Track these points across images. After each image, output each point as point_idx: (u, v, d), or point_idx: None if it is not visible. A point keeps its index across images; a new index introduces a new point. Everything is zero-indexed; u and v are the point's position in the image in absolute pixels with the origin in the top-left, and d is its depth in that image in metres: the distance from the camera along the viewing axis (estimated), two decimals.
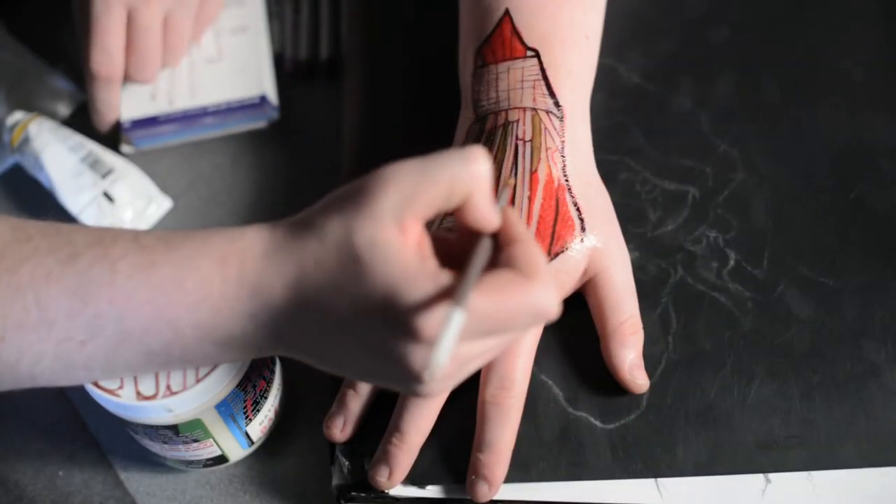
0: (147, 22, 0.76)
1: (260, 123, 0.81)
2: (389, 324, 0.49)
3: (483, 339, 0.51)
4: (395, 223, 0.50)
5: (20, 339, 0.53)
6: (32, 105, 0.81)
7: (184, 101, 0.80)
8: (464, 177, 0.51)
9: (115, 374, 0.56)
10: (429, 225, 0.64)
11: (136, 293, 0.52)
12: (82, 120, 0.82)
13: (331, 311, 0.51)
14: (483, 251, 0.51)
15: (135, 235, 0.54)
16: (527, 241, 0.52)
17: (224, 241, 0.53)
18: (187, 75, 0.81)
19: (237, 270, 0.52)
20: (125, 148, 0.80)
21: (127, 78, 0.78)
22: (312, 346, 0.53)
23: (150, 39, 0.77)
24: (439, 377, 0.49)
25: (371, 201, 0.50)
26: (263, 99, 0.80)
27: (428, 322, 0.48)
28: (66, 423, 0.71)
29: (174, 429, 0.61)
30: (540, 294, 0.50)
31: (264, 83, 0.80)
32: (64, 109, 0.82)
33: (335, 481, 0.64)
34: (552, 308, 0.50)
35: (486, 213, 0.52)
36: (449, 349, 0.46)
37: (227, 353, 0.55)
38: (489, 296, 0.49)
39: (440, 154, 0.51)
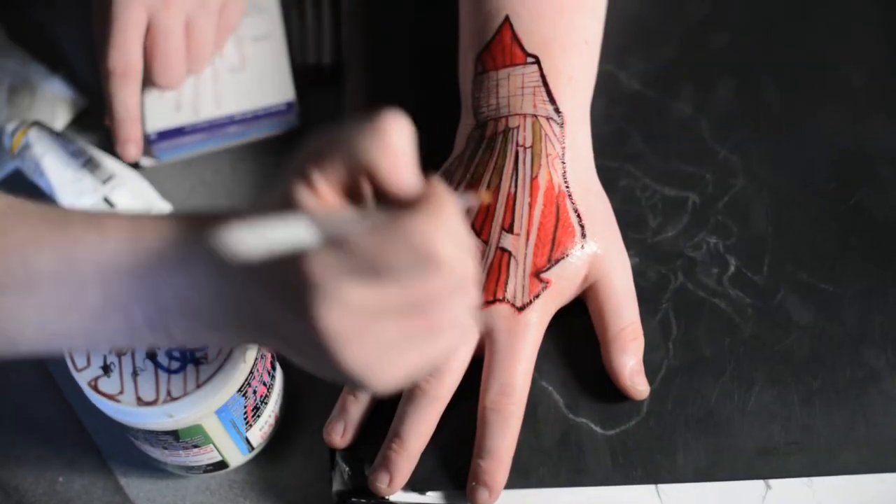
0: (167, 24, 0.75)
1: (278, 131, 0.81)
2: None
3: (375, 284, 0.47)
4: (301, 179, 0.48)
5: (3, 302, 0.53)
6: (33, 111, 0.81)
7: (209, 111, 0.80)
8: (365, 143, 0.48)
9: (97, 346, 0.57)
10: None
11: (121, 261, 0.52)
12: (83, 126, 0.82)
13: (258, 271, 0.50)
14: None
15: (127, 213, 0.56)
16: (434, 186, 0.49)
17: (199, 212, 0.53)
18: (211, 85, 0.81)
19: (208, 237, 0.51)
20: (145, 161, 0.80)
21: (153, 84, 0.78)
22: (260, 316, 0.52)
23: (172, 42, 0.76)
24: (236, 246, 0.46)
25: (288, 166, 0.50)
26: (290, 105, 0.80)
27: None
28: (66, 428, 0.71)
29: (174, 434, 0.61)
30: (418, 225, 0.46)
31: (289, 90, 0.81)
32: (64, 115, 0.82)
33: (335, 487, 0.64)
34: (435, 244, 0.46)
35: (393, 180, 0.49)
36: (263, 237, 0.45)
37: (203, 330, 0.54)
38: (366, 226, 0.47)
39: (356, 123, 0.49)
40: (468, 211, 0.65)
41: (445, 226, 0.47)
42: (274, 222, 0.45)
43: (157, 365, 0.60)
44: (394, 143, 0.48)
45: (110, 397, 0.59)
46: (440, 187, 0.49)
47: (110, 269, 0.52)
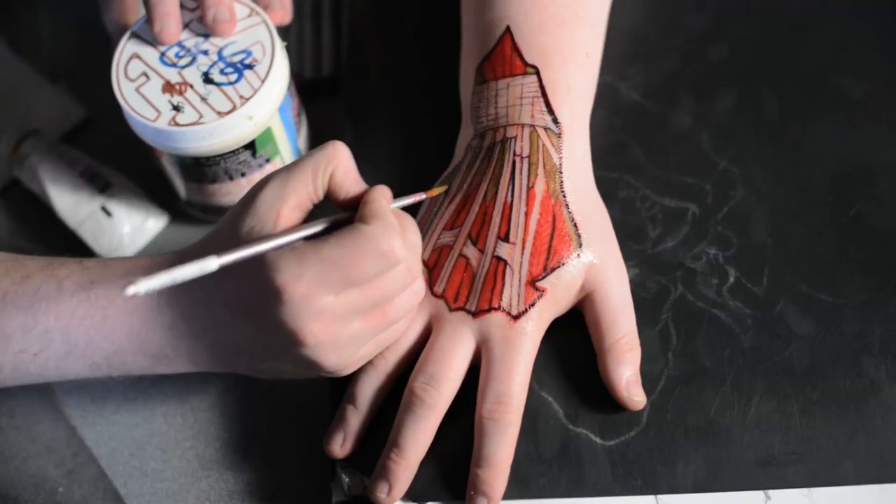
0: None
1: None
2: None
3: (344, 291, 0.56)
4: (270, 215, 0.57)
5: None
6: (32, 120, 0.81)
7: None
8: (322, 158, 0.59)
9: (66, 379, 0.61)
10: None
11: (77, 309, 0.59)
12: (81, 136, 0.82)
13: (227, 300, 0.57)
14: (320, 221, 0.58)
15: (80, 259, 0.62)
16: (374, 200, 0.59)
17: (149, 258, 0.60)
18: None
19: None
20: None
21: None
22: (224, 344, 0.59)
23: None
24: (139, 291, 0.51)
25: (251, 203, 0.58)
26: None
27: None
28: (66, 439, 0.71)
29: (252, 149, 0.68)
30: (376, 233, 0.56)
31: None
32: (63, 125, 0.82)
33: (335, 498, 0.64)
34: (392, 246, 0.56)
35: (346, 183, 0.59)
36: (162, 280, 0.51)
37: (161, 366, 0.61)
38: (332, 243, 0.55)
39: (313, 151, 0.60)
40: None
41: (396, 230, 0.57)
42: (178, 270, 0.52)
43: (218, 84, 0.66)
44: (346, 159, 0.60)
45: (193, 124, 0.65)
46: (380, 200, 0.59)
47: (67, 317, 0.59)
